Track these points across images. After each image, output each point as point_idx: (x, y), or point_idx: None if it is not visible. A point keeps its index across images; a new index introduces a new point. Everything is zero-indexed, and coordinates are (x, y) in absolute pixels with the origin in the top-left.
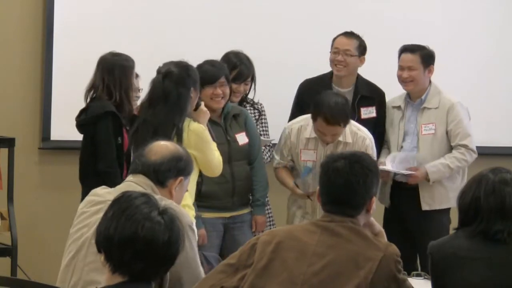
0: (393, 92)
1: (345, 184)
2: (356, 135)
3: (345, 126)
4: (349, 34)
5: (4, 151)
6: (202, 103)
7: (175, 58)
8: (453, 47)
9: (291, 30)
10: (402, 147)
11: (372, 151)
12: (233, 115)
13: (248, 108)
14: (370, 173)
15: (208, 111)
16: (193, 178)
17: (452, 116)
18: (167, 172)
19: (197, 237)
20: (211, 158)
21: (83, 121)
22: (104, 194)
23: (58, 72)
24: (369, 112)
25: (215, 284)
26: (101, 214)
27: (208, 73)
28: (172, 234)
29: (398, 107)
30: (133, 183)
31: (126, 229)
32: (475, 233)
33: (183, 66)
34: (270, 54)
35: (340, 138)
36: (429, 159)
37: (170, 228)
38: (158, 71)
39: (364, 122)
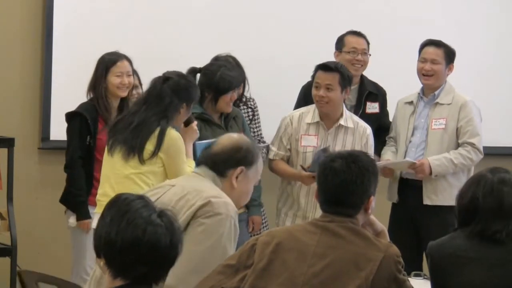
0: (392, 90)
1: (341, 184)
2: (358, 124)
3: (341, 79)
4: (360, 34)
5: (4, 151)
6: (195, 122)
7: (175, 58)
8: (453, 47)
9: (289, 31)
10: (410, 141)
11: (372, 141)
12: (233, 117)
13: (241, 107)
14: (367, 173)
15: (197, 131)
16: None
17: (464, 113)
18: (225, 163)
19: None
20: (180, 167)
21: (65, 117)
22: (167, 181)
23: (57, 72)
24: (373, 107)
25: (215, 285)
26: (154, 198)
27: (232, 79)
28: (173, 236)
29: (410, 103)
30: (197, 174)
31: (128, 234)
32: (473, 233)
33: (187, 80)
34: (267, 55)
35: (342, 122)
36: (438, 154)
37: (171, 230)
38: (163, 74)
39: (367, 116)
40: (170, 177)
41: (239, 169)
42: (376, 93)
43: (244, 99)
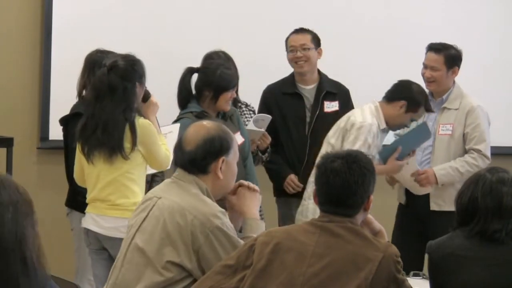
0: None
1: (343, 185)
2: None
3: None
4: (300, 30)
5: (3, 151)
6: (152, 95)
7: (175, 58)
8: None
9: (284, 32)
10: None
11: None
12: (229, 116)
13: (243, 109)
14: (368, 173)
15: (158, 103)
16: (141, 173)
17: (471, 119)
18: (204, 160)
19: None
20: (157, 152)
21: (60, 123)
22: (152, 191)
23: (56, 72)
24: (332, 106)
25: (214, 286)
26: (143, 214)
27: (231, 77)
28: None
29: None
30: (177, 180)
31: None
32: (473, 233)
33: (129, 60)
34: (268, 55)
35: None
36: (444, 160)
37: None
38: (104, 65)
39: (326, 115)
40: (151, 164)
41: (220, 160)
42: (335, 92)
43: (244, 103)
